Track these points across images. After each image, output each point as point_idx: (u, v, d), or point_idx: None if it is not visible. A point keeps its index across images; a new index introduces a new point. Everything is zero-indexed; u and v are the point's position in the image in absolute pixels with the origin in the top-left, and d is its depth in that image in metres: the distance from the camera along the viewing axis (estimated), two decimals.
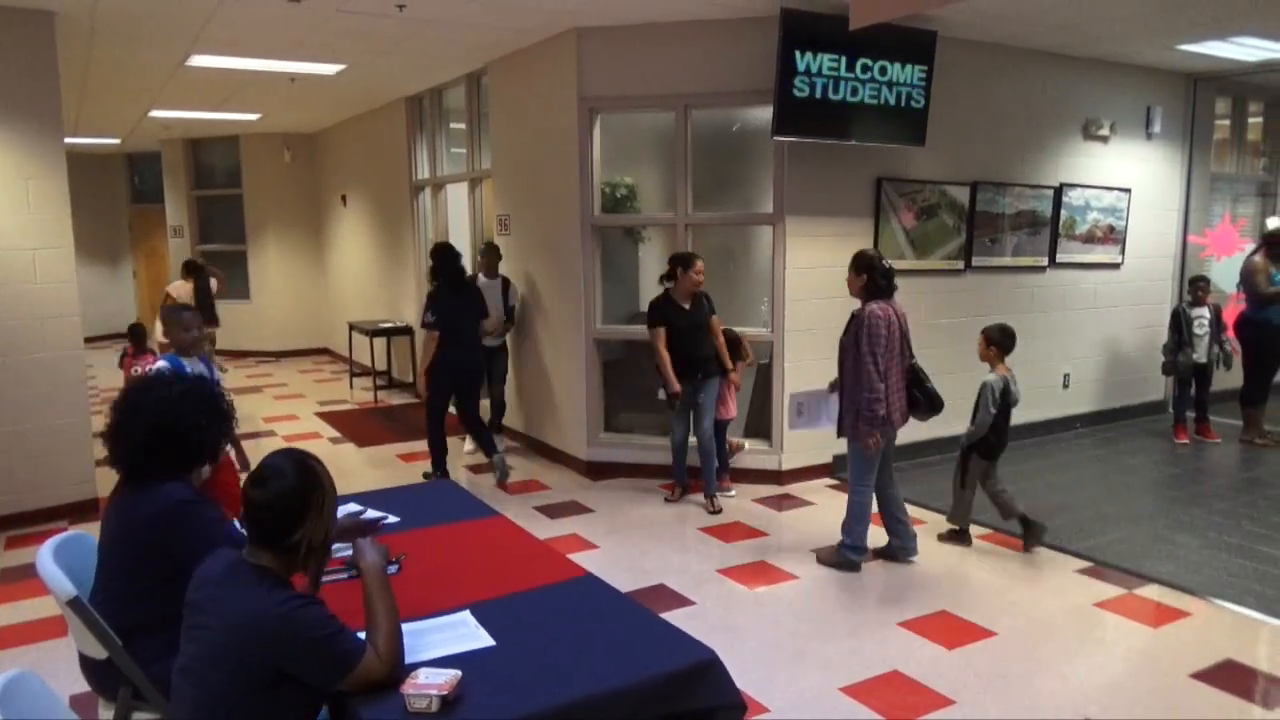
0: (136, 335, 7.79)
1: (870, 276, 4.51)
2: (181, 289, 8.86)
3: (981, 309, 6.84)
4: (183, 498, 2.41)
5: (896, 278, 6.24)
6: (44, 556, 2.40)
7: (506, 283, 6.93)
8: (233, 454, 4.29)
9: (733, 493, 5.85)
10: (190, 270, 9.08)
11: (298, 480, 1.98)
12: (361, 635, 2.00)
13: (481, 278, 6.90)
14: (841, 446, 6.27)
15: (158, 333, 8.57)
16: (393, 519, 3.11)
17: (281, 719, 1.92)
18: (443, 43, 6.49)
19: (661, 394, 5.59)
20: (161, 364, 4.16)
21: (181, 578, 2.34)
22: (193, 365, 4.22)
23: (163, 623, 2.37)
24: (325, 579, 2.48)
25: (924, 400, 4.58)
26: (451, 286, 6.12)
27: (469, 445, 7.16)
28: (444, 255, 6.19)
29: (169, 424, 2.45)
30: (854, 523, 4.63)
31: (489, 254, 6.92)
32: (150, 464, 2.45)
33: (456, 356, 6.08)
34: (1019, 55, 6.72)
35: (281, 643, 1.87)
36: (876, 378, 4.39)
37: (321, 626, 1.90)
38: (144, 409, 2.47)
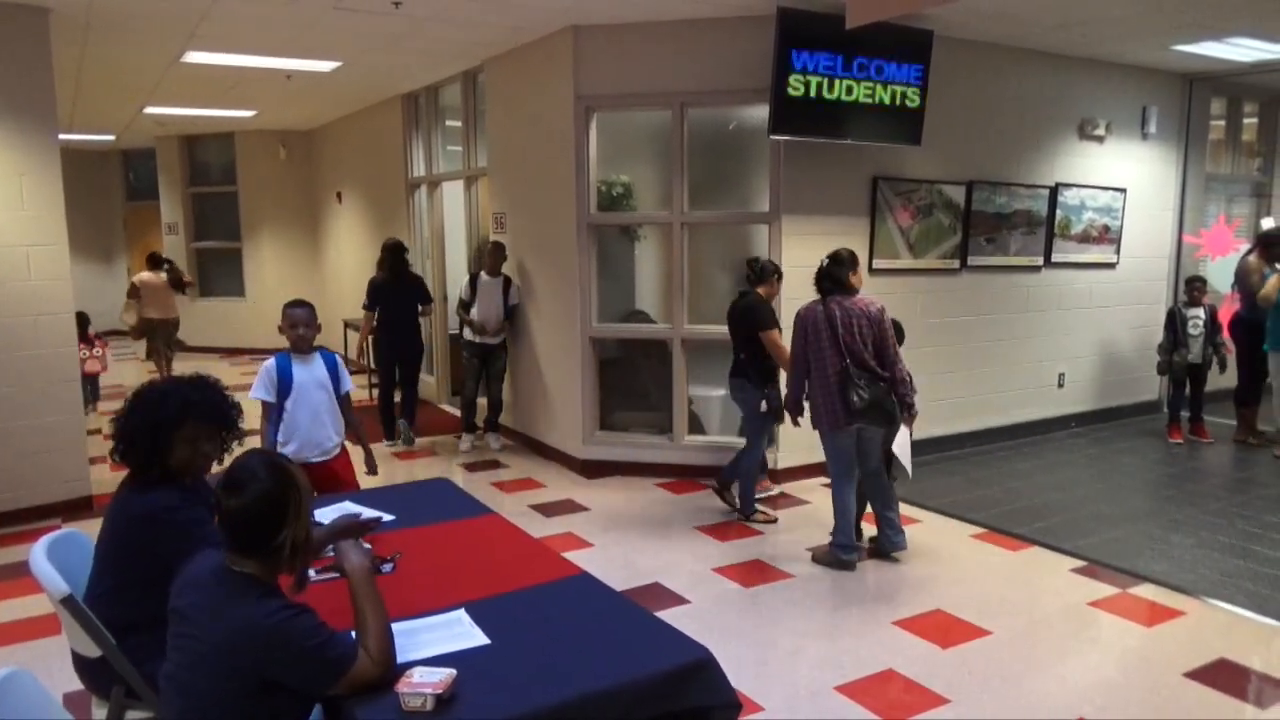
0: (80, 323, 7.95)
1: (817, 274, 4.63)
2: (150, 279, 9.19)
3: (977, 308, 6.86)
4: (166, 505, 2.38)
5: (893, 277, 6.37)
6: (37, 554, 2.39)
7: (508, 281, 6.93)
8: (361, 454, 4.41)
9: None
10: (157, 262, 9.41)
11: (273, 482, 1.93)
12: (352, 635, 1.99)
13: (484, 275, 6.90)
14: None
15: (127, 319, 9.16)
16: (388, 517, 3.11)
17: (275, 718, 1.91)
18: (439, 40, 6.47)
19: (765, 405, 5.13)
20: (269, 361, 4.08)
21: (170, 580, 2.34)
22: (305, 364, 4.08)
23: (157, 621, 2.36)
24: (319, 578, 2.47)
25: (856, 406, 4.37)
26: (392, 276, 7.14)
27: (465, 444, 7.16)
28: (390, 250, 7.21)
29: (150, 425, 2.41)
30: (839, 520, 4.64)
31: (495, 252, 6.91)
32: (139, 464, 2.43)
33: (389, 336, 7.17)
34: (1015, 55, 6.73)
35: (273, 652, 1.85)
36: (789, 373, 4.71)
37: (313, 635, 1.88)
38: (136, 409, 2.45)
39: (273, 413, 4.04)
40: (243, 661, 1.84)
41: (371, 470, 4.46)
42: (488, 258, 6.94)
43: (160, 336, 9.21)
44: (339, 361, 4.25)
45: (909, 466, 4.58)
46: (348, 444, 4.32)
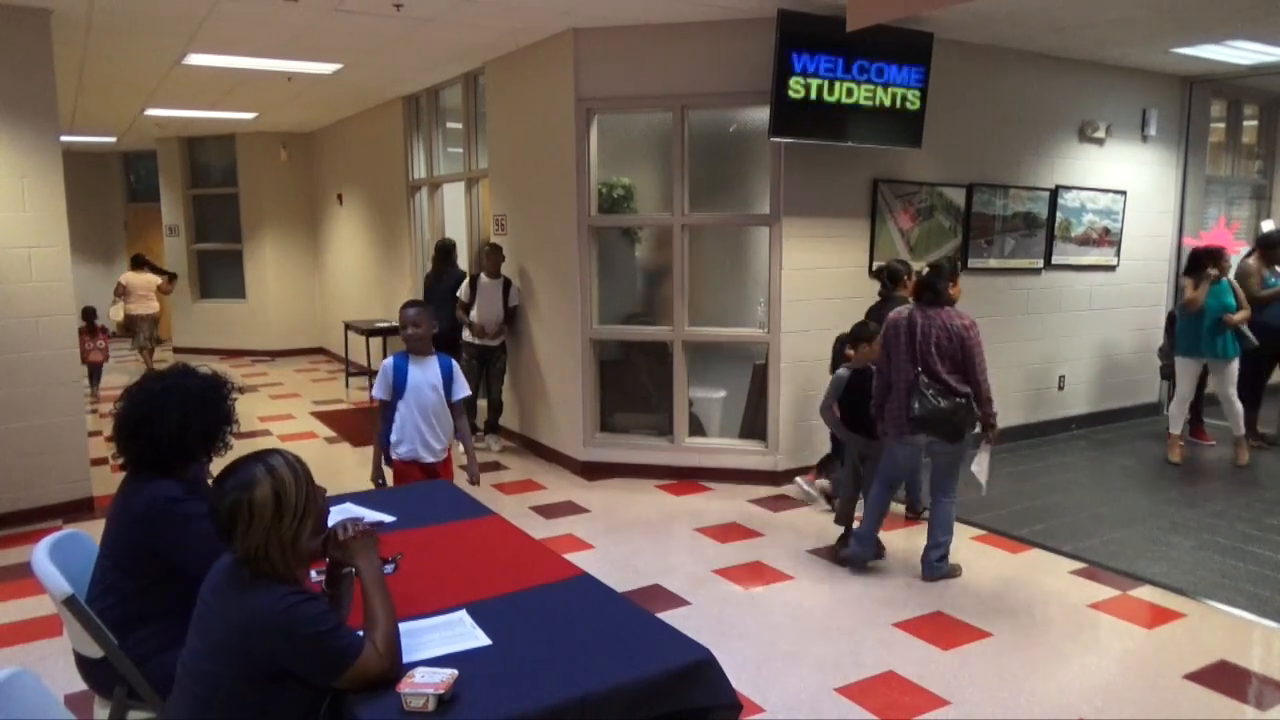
0: (87, 316, 9.33)
1: (916, 283, 4.71)
2: (134, 279, 10.27)
3: (977, 311, 6.78)
4: (168, 496, 2.38)
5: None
6: (39, 555, 2.40)
7: (508, 283, 6.95)
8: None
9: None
10: (140, 263, 10.54)
11: (232, 493, 1.94)
12: (359, 634, 2.01)
13: (483, 278, 6.92)
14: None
15: (114, 315, 10.17)
16: (389, 519, 3.12)
17: (282, 715, 1.93)
18: (440, 42, 6.48)
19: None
20: (387, 360, 4.13)
21: (175, 576, 2.34)
22: (420, 365, 4.10)
23: (158, 618, 2.37)
24: (318, 578, 2.47)
25: (915, 414, 4.35)
26: (436, 269, 7.67)
27: None
28: (438, 248, 7.75)
29: (142, 417, 2.41)
30: (869, 521, 4.63)
31: (492, 254, 6.95)
32: (138, 457, 2.44)
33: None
34: (1015, 57, 6.74)
35: (281, 638, 1.88)
36: (878, 379, 4.58)
37: (320, 622, 1.91)
38: (133, 402, 2.45)
39: (386, 411, 4.12)
40: (254, 647, 1.87)
41: (473, 480, 4.34)
42: (485, 259, 6.97)
43: (143, 331, 10.29)
44: (455, 367, 4.25)
45: (984, 482, 4.54)
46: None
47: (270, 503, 1.94)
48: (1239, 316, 6.40)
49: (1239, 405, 6.54)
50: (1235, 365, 6.50)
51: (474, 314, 6.91)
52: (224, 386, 2.58)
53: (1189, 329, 6.54)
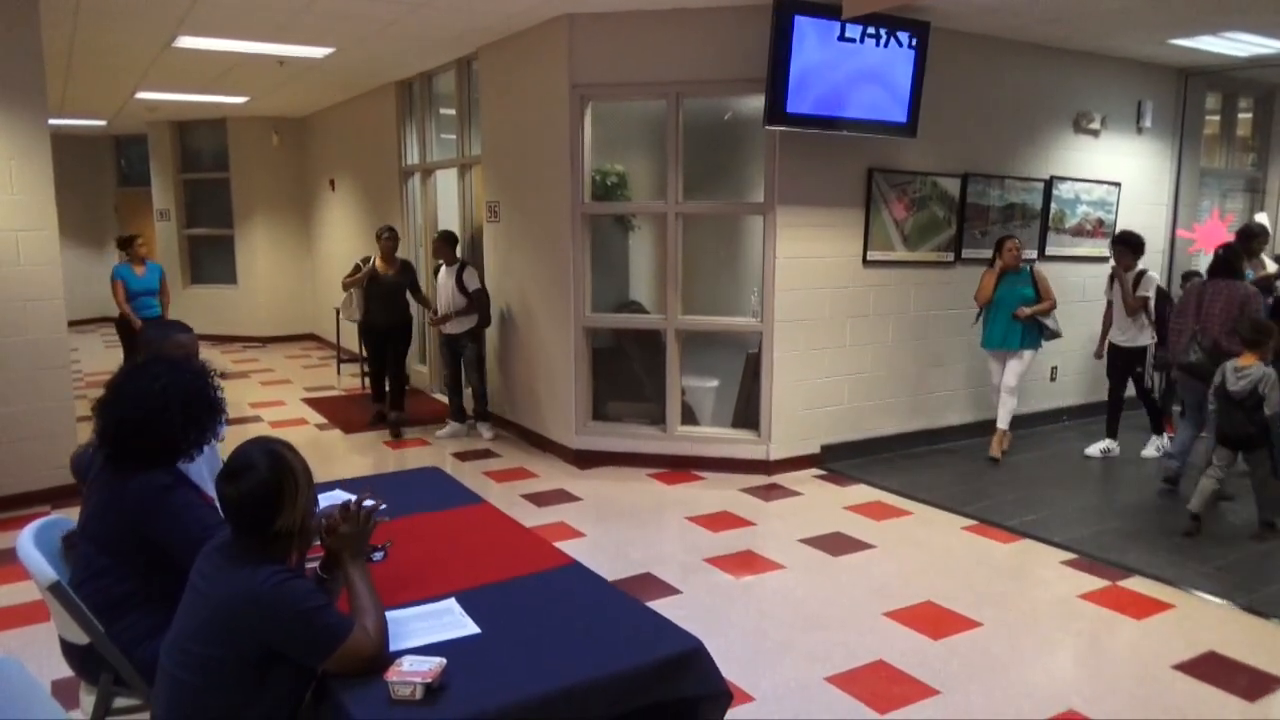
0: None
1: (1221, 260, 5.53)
2: None
3: (971, 301, 6.85)
4: (161, 484, 2.38)
5: (887, 269, 6.38)
6: (25, 541, 2.38)
7: (463, 266, 6.94)
8: None
9: None
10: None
11: (269, 471, 1.99)
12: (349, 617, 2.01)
13: (442, 268, 6.97)
14: (829, 437, 6.32)
15: None
16: (380, 506, 3.10)
17: (270, 696, 1.93)
18: (433, 27, 6.43)
19: None
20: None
21: (165, 563, 2.33)
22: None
23: (146, 604, 2.36)
24: (309, 563, 2.46)
25: (1183, 361, 5.40)
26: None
27: (445, 431, 7.17)
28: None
29: (144, 418, 2.38)
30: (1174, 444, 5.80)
31: (441, 243, 6.99)
32: (127, 452, 2.41)
33: None
34: (1011, 47, 6.71)
35: (271, 613, 1.88)
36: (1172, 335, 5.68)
37: (310, 598, 1.93)
38: (124, 399, 2.42)
39: None
40: (242, 625, 1.88)
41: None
42: (439, 248, 6.99)
43: None
44: None
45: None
46: None
47: (303, 470, 2.04)
48: (1031, 309, 6.22)
49: (1013, 401, 6.38)
50: (1026, 357, 6.35)
51: (438, 305, 6.95)
52: (211, 377, 2.57)
53: (987, 320, 6.43)
